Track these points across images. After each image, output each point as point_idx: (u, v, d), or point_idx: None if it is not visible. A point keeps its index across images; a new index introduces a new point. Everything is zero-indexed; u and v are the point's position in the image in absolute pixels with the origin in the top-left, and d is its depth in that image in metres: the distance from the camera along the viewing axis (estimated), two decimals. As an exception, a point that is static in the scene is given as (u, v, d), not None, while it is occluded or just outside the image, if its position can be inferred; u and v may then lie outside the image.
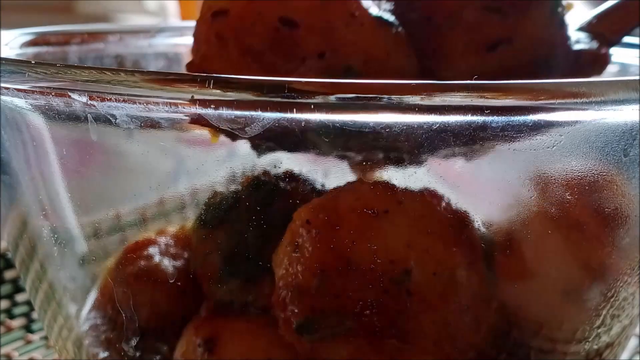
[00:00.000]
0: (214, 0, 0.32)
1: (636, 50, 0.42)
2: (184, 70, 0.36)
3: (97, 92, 0.26)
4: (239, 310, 0.33)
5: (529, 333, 0.32)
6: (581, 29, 0.37)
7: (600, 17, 0.37)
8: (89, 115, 0.28)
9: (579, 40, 0.35)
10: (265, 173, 0.32)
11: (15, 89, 0.28)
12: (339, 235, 0.29)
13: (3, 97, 0.30)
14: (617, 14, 0.37)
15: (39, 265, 0.37)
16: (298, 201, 0.30)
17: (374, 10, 0.33)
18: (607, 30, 0.37)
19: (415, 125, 0.26)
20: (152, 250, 0.36)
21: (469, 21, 0.33)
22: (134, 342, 0.34)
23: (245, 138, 0.26)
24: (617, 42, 0.37)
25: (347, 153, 0.30)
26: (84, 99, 0.27)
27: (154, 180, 0.32)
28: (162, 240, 0.37)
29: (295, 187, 0.32)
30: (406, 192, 0.30)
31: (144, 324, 0.34)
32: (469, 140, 0.27)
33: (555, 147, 0.28)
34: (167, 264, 0.36)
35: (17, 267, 0.42)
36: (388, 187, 0.29)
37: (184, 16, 1.94)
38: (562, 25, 0.35)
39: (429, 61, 0.34)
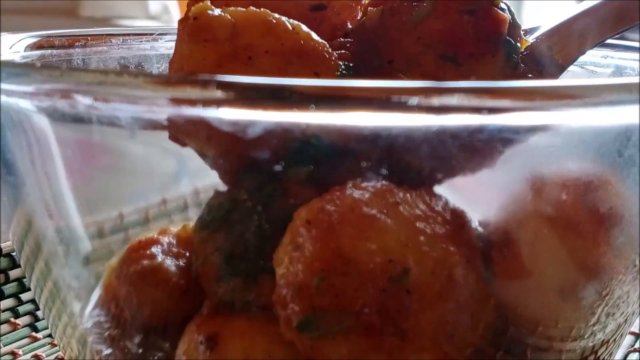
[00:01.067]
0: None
1: (631, 53, 0.42)
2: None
3: (101, 94, 0.27)
4: (240, 308, 0.33)
5: (525, 331, 0.32)
6: (534, 49, 0.37)
7: (548, 35, 0.38)
8: (93, 116, 0.28)
9: (532, 76, 0.36)
10: (266, 174, 0.32)
11: (21, 91, 0.29)
12: (339, 235, 0.29)
13: (9, 99, 0.30)
14: (567, 35, 0.37)
15: (43, 264, 0.37)
16: (298, 201, 0.31)
17: (340, 61, 0.33)
18: (559, 53, 0.37)
19: (414, 127, 0.27)
20: (155, 249, 0.37)
21: (426, 68, 0.34)
22: (136, 340, 0.35)
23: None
24: (567, 67, 0.37)
25: (347, 153, 0.30)
26: (88, 100, 0.27)
27: (157, 180, 0.32)
28: (165, 239, 0.37)
29: (296, 187, 0.32)
30: (405, 192, 0.30)
31: (147, 322, 0.35)
32: (466, 141, 0.27)
33: (551, 148, 0.28)
34: (170, 263, 0.36)
35: (22, 266, 0.42)
36: (387, 187, 0.30)
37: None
38: (517, 68, 0.35)
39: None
